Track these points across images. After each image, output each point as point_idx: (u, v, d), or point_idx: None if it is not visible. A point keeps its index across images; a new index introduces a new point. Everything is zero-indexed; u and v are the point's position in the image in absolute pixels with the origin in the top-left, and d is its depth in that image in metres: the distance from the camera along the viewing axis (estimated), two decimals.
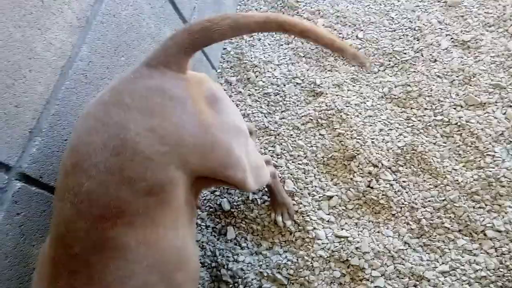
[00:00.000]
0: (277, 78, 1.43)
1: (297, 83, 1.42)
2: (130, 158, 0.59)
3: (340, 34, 1.48)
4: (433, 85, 1.28)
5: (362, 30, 1.47)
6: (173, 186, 0.62)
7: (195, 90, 0.68)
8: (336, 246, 1.07)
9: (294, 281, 1.06)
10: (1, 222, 0.68)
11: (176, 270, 0.65)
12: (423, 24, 1.42)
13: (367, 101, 1.30)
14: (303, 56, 1.48)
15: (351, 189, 1.15)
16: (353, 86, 1.35)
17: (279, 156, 1.26)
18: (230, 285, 1.10)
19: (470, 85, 1.25)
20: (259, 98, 1.40)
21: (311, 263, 1.07)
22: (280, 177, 1.21)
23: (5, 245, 0.69)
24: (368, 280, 1.01)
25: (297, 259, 1.09)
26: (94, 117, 0.62)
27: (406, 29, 1.43)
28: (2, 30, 0.65)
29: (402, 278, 0.99)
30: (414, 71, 1.33)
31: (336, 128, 1.26)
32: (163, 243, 0.62)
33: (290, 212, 1.14)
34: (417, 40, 1.39)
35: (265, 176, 0.94)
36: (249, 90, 1.43)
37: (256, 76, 1.46)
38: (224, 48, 1.56)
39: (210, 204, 1.25)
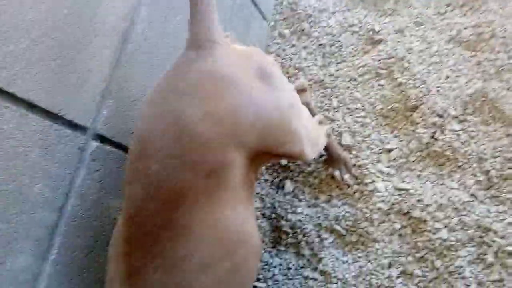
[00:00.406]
0: (332, 28, 1.38)
1: (354, 31, 1.35)
2: (189, 143, 0.62)
3: None
4: (508, 25, 1.16)
5: None
6: (232, 167, 0.65)
7: (245, 66, 0.69)
8: (396, 199, 1.07)
9: (353, 232, 1.09)
10: (83, 178, 0.77)
11: (238, 246, 0.68)
12: None
13: (433, 46, 1.22)
14: (360, 1, 1.39)
15: (413, 141, 1.12)
16: (417, 30, 1.27)
17: (335, 110, 1.25)
18: (290, 235, 1.15)
19: None
20: (313, 50, 1.37)
21: (370, 215, 1.08)
22: (336, 131, 1.20)
23: (88, 199, 0.78)
24: (430, 231, 1.00)
25: (356, 211, 1.10)
26: (154, 104, 0.67)
27: None
28: None
29: (467, 230, 0.97)
30: (486, 10, 1.20)
31: (397, 78, 1.21)
32: (224, 222, 0.65)
33: (348, 166, 1.14)
34: None
35: (322, 143, 0.94)
36: (303, 42, 1.40)
37: (311, 27, 1.41)
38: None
39: None
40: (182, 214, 0.62)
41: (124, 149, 0.86)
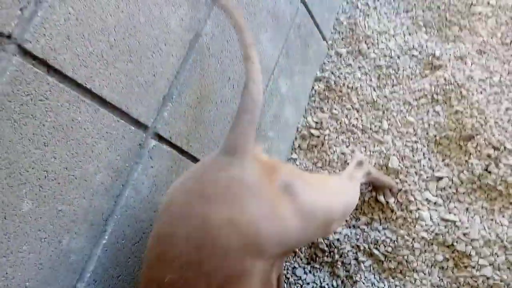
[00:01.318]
0: (391, 50, 1.39)
1: (413, 55, 1.35)
2: (210, 252, 0.62)
3: (468, 0, 1.35)
4: None
5: None
6: (250, 275, 0.65)
7: (270, 178, 0.71)
8: (441, 230, 1.05)
9: (392, 258, 1.08)
10: (140, 172, 0.85)
11: None
12: None
13: (494, 76, 1.19)
14: (423, 26, 1.39)
15: (464, 171, 1.10)
16: (479, 59, 1.25)
17: (385, 132, 1.25)
18: (326, 253, 1.16)
19: None
20: (369, 70, 1.39)
21: (412, 243, 1.07)
22: (384, 154, 1.20)
23: (141, 192, 0.86)
24: (474, 267, 0.97)
25: (397, 238, 1.09)
26: (177, 206, 0.68)
27: None
28: (144, 8, 0.77)
29: None
30: None
31: (453, 105, 1.19)
32: None
33: (393, 191, 1.14)
34: None
35: (351, 207, 0.94)
36: (359, 62, 1.42)
37: (368, 48, 1.43)
38: (337, 19, 1.55)
39: None
40: None
41: (179, 150, 0.93)
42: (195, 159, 0.98)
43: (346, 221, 1.18)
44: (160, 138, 0.88)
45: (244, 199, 0.66)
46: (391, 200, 1.13)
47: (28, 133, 0.63)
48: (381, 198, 1.14)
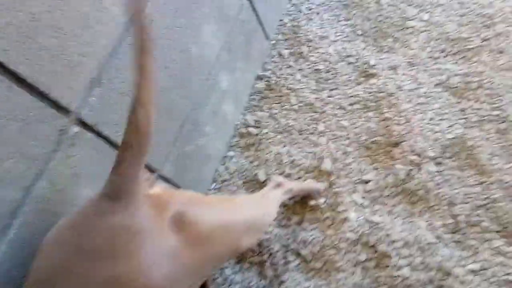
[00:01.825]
0: (330, 55, 1.43)
1: (350, 62, 1.41)
2: None
3: (404, 14, 1.43)
4: (495, 78, 1.22)
5: (428, 12, 1.42)
6: None
7: (160, 216, 0.66)
8: (366, 231, 1.09)
9: (319, 258, 1.10)
10: (58, 161, 0.77)
11: None
12: (495, 11, 1.34)
13: (422, 87, 1.27)
14: (361, 35, 1.45)
15: (390, 175, 1.15)
16: (409, 70, 1.32)
17: (321, 134, 1.28)
18: (256, 253, 1.15)
19: None
20: (309, 74, 1.41)
21: (338, 243, 1.10)
22: (319, 156, 1.23)
23: (59, 183, 0.79)
24: (393, 267, 1.03)
25: (324, 238, 1.12)
26: (52, 263, 0.59)
27: (476, 15, 1.36)
28: None
29: (429, 271, 1.00)
30: (477, 61, 1.27)
31: (384, 112, 1.25)
32: None
33: (320, 193, 1.18)
34: (486, 28, 1.32)
35: (266, 224, 0.93)
36: (300, 64, 1.44)
37: (309, 51, 1.46)
38: (281, 20, 1.56)
39: (247, 174, 1.30)
40: None
41: (106, 139, 0.87)
42: None
43: (278, 220, 1.19)
44: (84, 125, 0.81)
45: (129, 250, 0.59)
46: (321, 201, 1.16)
47: None
48: (312, 202, 1.17)
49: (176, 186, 1.15)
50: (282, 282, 1.10)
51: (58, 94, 0.73)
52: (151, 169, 1.04)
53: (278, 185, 1.06)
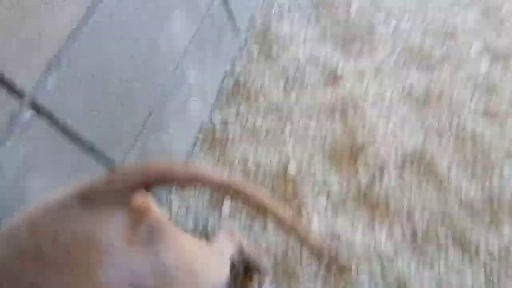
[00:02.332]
0: (300, 57, 1.43)
1: (318, 64, 1.41)
2: None
3: (371, 19, 1.46)
4: (456, 89, 1.27)
5: (396, 19, 1.45)
6: None
7: (130, 229, 0.61)
8: (326, 240, 1.09)
9: (281, 266, 1.08)
10: (6, 149, 0.70)
11: None
12: (459, 23, 1.40)
13: (386, 94, 1.30)
14: (330, 37, 1.46)
15: (352, 184, 1.16)
16: (375, 76, 1.35)
17: (287, 136, 1.27)
18: None
19: (493, 95, 1.25)
20: (277, 74, 1.40)
21: (299, 252, 1.08)
22: (284, 158, 1.22)
23: (5, 174, 0.71)
24: (354, 280, 1.03)
25: (287, 245, 1.10)
26: (5, 267, 0.54)
27: (441, 26, 1.41)
28: None
29: (387, 282, 1.01)
30: (439, 71, 1.32)
31: (349, 118, 1.27)
32: None
33: (264, 273, 1.09)
34: (449, 39, 1.38)
35: (220, 282, 0.85)
36: (269, 64, 1.43)
37: (278, 51, 1.45)
38: (252, 18, 1.55)
39: None
40: None
41: (62, 128, 0.80)
42: (81, 142, 0.86)
43: (242, 224, 1.16)
44: (39, 110, 0.74)
45: (90, 266, 0.54)
46: (266, 285, 1.08)
47: None
48: (255, 285, 1.08)
49: None
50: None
51: (12, 74, 0.66)
52: (111, 167, 0.98)
53: (231, 234, 0.98)
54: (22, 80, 0.69)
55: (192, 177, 0.62)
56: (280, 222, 0.68)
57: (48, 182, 0.81)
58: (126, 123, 1.00)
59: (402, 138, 1.21)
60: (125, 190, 0.59)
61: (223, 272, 0.87)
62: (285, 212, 0.67)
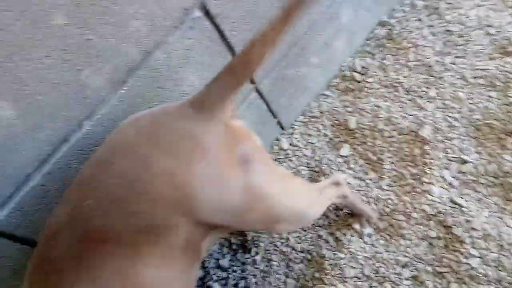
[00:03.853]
0: (469, 19, 1.28)
1: (489, 32, 1.25)
2: (140, 196, 0.60)
3: None
4: None
5: None
6: (171, 231, 0.62)
7: (230, 146, 0.66)
8: (445, 210, 1.03)
9: (386, 219, 1.07)
10: (176, 38, 0.82)
11: None
12: None
13: None
14: (511, 7, 1.27)
15: (492, 163, 1.05)
16: None
17: (430, 100, 1.19)
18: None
19: None
20: (438, 33, 1.29)
21: (410, 212, 1.06)
22: (419, 121, 1.15)
23: (172, 60, 0.83)
24: (462, 254, 0.97)
25: (398, 202, 1.08)
26: (124, 138, 0.64)
27: None
28: None
29: (501, 271, 0.93)
30: None
31: (509, 96, 1.12)
32: (140, 279, 0.62)
33: (369, 221, 1.09)
34: None
35: (309, 219, 0.87)
36: (431, 20, 1.32)
37: (447, 9, 1.32)
38: None
39: (338, 117, 1.27)
40: (95, 257, 0.60)
41: (221, 33, 0.89)
42: (232, 52, 0.94)
43: (354, 171, 1.17)
44: (206, 12, 0.83)
45: (192, 158, 0.62)
46: (366, 231, 1.08)
47: None
48: (356, 225, 1.10)
49: (266, 103, 1.16)
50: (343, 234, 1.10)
51: None
52: (251, 80, 1.06)
53: (337, 183, 0.99)
54: None
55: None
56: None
57: (199, 79, 0.92)
58: None
59: None
60: (224, 97, 0.65)
61: (315, 208, 0.89)
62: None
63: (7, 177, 0.71)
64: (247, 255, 1.18)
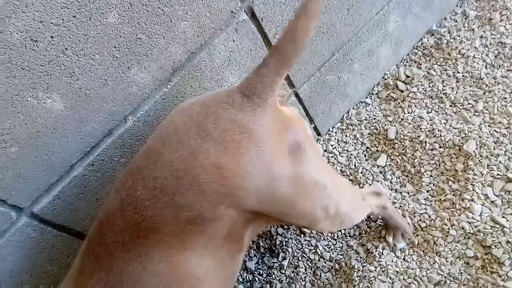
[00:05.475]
0: None
1: None
2: (187, 186, 0.60)
3: None
4: None
5: None
6: (218, 223, 0.64)
7: (280, 134, 0.65)
8: (485, 229, 0.99)
9: (422, 234, 1.05)
10: (220, 40, 0.84)
11: None
12: None
13: None
14: None
15: None
16: None
17: (476, 114, 1.15)
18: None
19: None
20: (490, 44, 1.24)
21: (448, 228, 1.03)
22: (463, 136, 1.11)
23: (215, 60, 0.85)
24: (500, 276, 0.93)
25: (435, 217, 1.05)
26: (175, 128, 0.64)
27: None
28: None
29: None
30: None
31: None
32: (184, 267, 0.64)
33: (404, 235, 1.06)
34: None
35: (350, 221, 0.87)
36: (483, 31, 1.27)
37: (501, 20, 1.27)
38: None
39: (377, 126, 1.25)
40: (145, 244, 0.63)
41: (264, 35, 0.90)
42: None
43: (391, 182, 1.15)
44: (252, 15, 0.85)
45: (241, 149, 0.62)
46: (401, 245, 1.06)
47: None
48: (390, 239, 1.08)
49: (304, 108, 1.17)
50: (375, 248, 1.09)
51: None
52: (291, 84, 1.07)
53: (378, 194, 0.99)
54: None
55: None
56: None
57: (238, 81, 0.94)
58: (315, 51, 1.06)
59: None
60: (273, 83, 0.64)
61: (358, 212, 0.90)
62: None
63: (52, 166, 0.76)
64: (275, 260, 1.19)
